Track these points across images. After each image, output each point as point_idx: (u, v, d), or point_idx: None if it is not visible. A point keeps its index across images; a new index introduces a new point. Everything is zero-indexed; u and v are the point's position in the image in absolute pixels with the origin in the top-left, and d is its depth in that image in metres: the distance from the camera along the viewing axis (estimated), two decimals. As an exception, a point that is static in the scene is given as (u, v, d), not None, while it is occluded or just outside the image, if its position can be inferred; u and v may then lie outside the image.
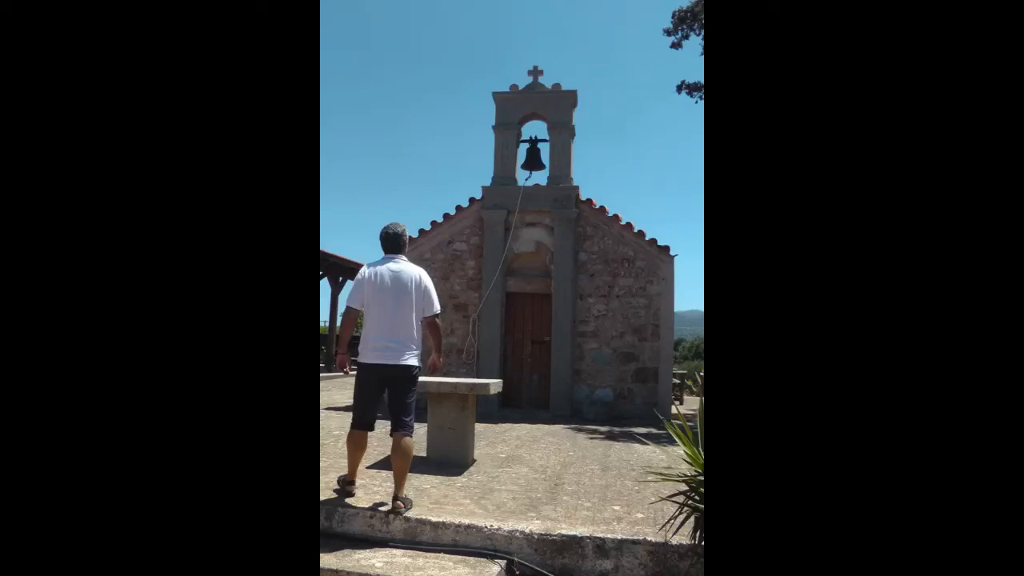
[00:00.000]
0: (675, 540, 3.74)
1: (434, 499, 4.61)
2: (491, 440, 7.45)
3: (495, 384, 6.20)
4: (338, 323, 19.04)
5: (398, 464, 4.35)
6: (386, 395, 4.58)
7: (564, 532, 3.95)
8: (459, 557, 3.86)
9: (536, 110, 11.56)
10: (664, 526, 3.82)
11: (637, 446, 7.29)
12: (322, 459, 5.70)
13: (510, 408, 10.83)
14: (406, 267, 4.63)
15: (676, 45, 13.53)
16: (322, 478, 4.75)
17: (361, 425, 4.59)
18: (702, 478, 3.36)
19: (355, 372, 4.71)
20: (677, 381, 13.63)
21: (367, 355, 4.51)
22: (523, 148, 11.81)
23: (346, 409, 9.67)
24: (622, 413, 10.49)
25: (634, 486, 5.23)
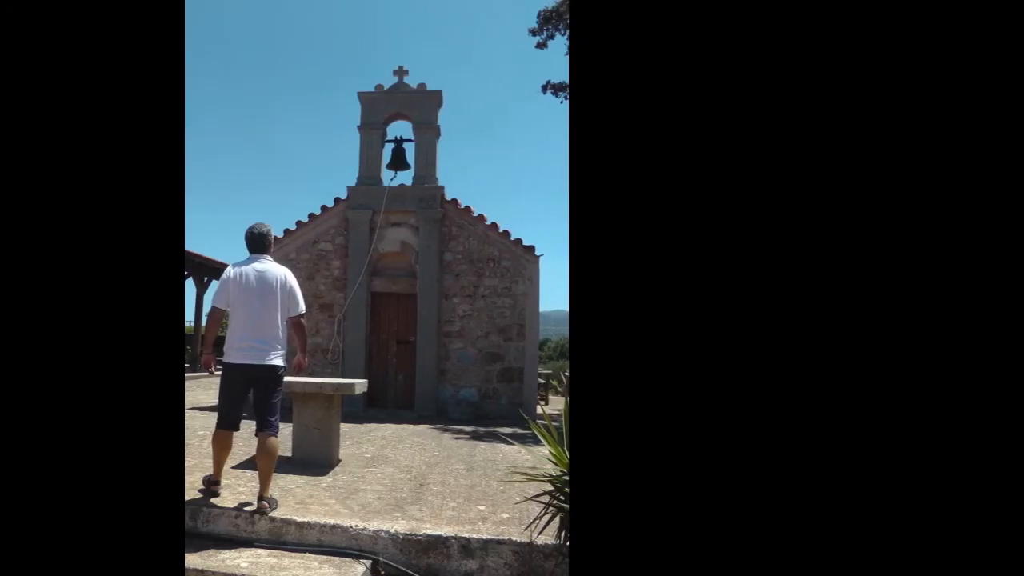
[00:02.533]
0: (540, 540, 3.78)
1: (299, 499, 4.60)
2: (356, 440, 7.44)
3: (360, 384, 6.22)
4: (203, 323, 18.48)
5: (263, 464, 4.33)
6: (251, 395, 4.54)
7: (429, 532, 4.00)
8: (324, 557, 3.88)
9: (401, 110, 11.60)
10: (529, 526, 3.87)
11: (502, 446, 7.35)
12: (187, 459, 5.53)
13: (375, 408, 10.81)
14: (271, 267, 4.62)
15: (541, 45, 13.65)
16: (187, 478, 4.62)
17: (226, 425, 4.55)
18: (567, 478, 3.40)
19: (220, 372, 4.64)
20: (542, 381, 13.90)
21: (232, 355, 4.47)
22: (388, 148, 11.80)
23: (211, 409, 9.33)
24: (487, 413, 10.65)
25: (499, 486, 5.30)
